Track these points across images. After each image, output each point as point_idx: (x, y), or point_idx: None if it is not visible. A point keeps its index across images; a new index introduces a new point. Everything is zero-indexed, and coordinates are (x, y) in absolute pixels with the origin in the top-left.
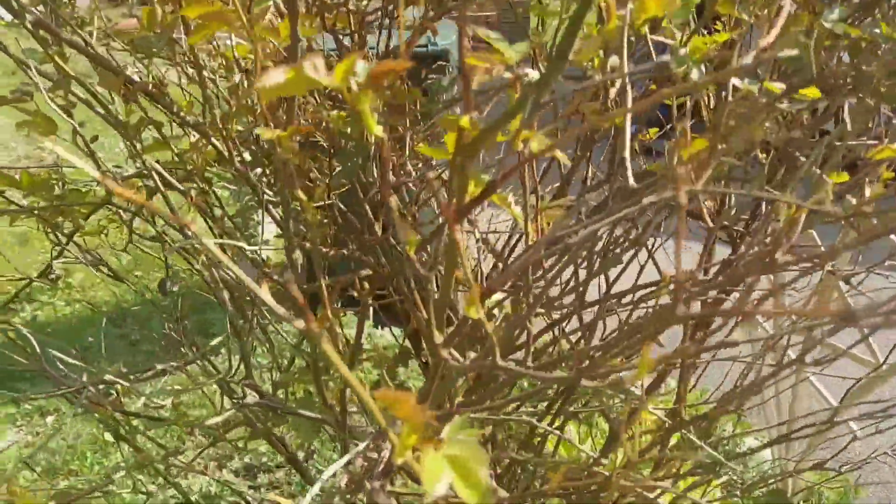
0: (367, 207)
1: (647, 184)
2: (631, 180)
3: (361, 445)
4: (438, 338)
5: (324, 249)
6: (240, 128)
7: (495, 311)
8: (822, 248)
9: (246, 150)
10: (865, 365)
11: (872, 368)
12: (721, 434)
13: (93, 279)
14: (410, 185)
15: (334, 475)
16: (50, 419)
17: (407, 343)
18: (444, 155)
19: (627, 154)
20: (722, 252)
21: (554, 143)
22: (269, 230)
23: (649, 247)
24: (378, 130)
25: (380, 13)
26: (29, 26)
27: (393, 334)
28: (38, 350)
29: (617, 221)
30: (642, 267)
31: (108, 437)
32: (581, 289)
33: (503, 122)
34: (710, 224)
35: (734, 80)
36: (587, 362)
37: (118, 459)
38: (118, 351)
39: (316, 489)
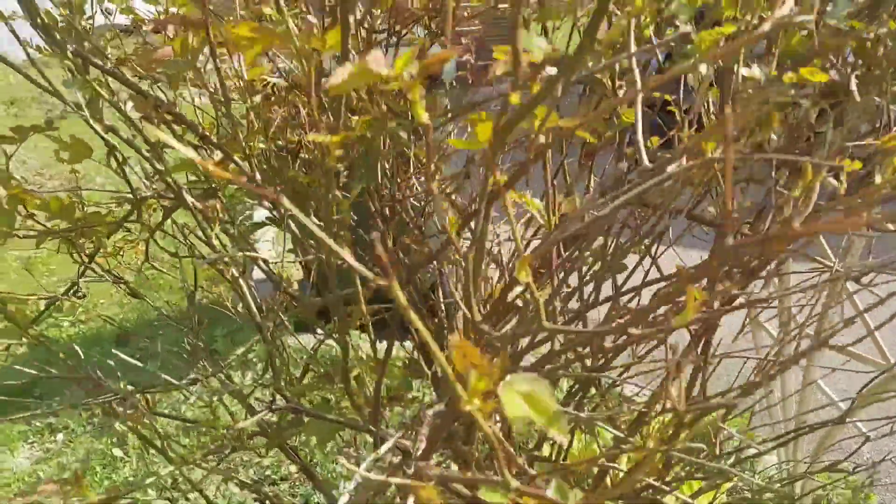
0: (379, 220)
1: (660, 163)
2: (646, 160)
3: (395, 436)
4: (477, 315)
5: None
6: (261, 145)
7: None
8: (829, 250)
9: (258, 170)
10: (875, 366)
11: (882, 370)
12: (726, 438)
13: (96, 300)
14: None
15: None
16: (60, 436)
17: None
18: (476, 145)
19: (640, 134)
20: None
21: (579, 122)
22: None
23: (653, 253)
24: (425, 117)
25: (387, 33)
26: (70, 56)
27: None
28: (82, 360)
29: (637, 206)
30: (647, 272)
31: (118, 452)
32: (589, 292)
33: (531, 107)
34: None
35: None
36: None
37: (126, 474)
38: (124, 369)
39: (364, 466)
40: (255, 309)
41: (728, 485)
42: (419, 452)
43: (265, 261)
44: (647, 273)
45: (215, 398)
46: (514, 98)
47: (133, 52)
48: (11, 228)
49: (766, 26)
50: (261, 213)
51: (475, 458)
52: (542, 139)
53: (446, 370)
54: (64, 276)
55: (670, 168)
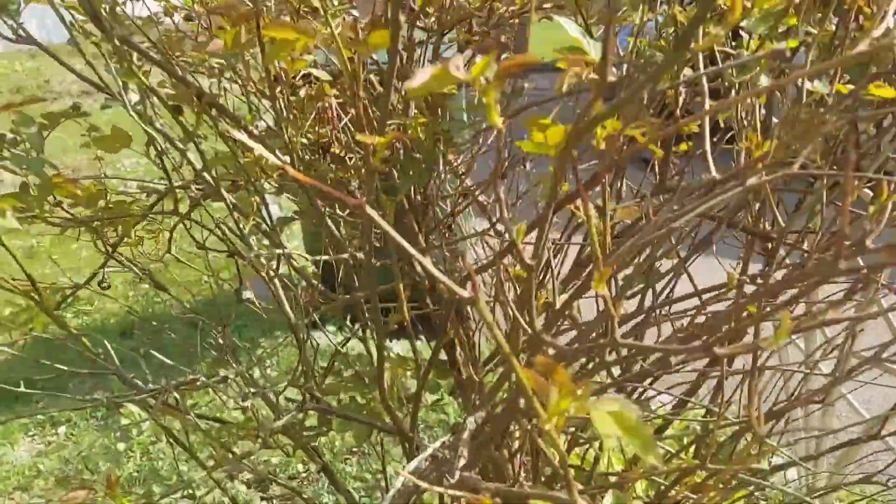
0: (413, 221)
1: (730, 174)
2: (714, 171)
3: (437, 443)
4: (537, 325)
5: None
6: (304, 140)
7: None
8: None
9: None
10: None
11: None
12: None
13: (101, 292)
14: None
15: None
16: (62, 429)
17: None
18: (544, 150)
19: (709, 147)
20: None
21: (652, 137)
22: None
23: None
24: (499, 122)
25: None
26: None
27: (422, 347)
28: (111, 352)
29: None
30: (676, 280)
31: (121, 446)
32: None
33: (609, 114)
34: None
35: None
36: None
37: (131, 469)
38: (132, 363)
39: (413, 464)
40: (288, 307)
41: (742, 493)
42: (461, 462)
43: (292, 257)
44: (674, 283)
45: (248, 401)
46: (598, 106)
47: (165, 40)
48: (42, 214)
49: (863, 46)
50: (275, 208)
51: (506, 463)
52: (613, 148)
53: (525, 389)
54: (66, 266)
55: (751, 180)
